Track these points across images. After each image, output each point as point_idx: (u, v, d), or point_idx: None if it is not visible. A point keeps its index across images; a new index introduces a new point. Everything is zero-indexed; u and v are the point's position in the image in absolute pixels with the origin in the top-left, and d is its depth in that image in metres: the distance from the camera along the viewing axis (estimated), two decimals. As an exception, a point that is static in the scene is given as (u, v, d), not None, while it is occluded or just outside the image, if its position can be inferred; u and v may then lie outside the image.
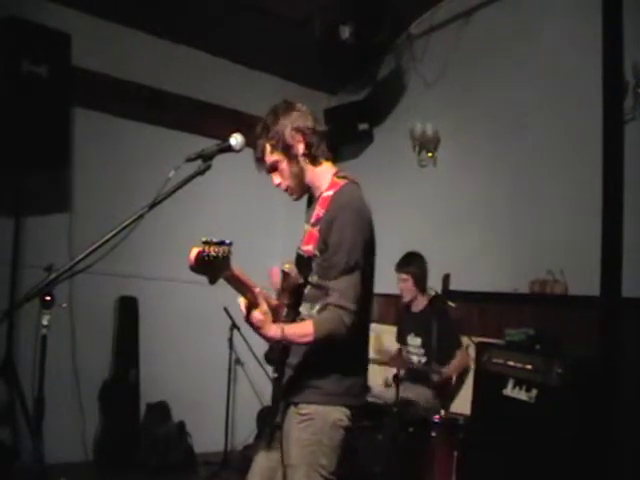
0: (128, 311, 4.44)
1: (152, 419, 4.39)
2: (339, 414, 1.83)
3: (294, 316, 1.88)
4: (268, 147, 1.94)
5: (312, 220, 1.93)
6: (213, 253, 1.40)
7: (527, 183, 3.71)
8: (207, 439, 4.49)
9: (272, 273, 1.89)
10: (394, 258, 3.84)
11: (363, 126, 4.94)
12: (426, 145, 4.38)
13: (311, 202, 2.05)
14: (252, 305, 1.69)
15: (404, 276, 3.82)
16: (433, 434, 3.15)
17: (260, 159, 1.97)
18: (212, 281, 1.48)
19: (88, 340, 4.21)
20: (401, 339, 3.98)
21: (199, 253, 1.40)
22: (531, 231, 3.64)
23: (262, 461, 1.94)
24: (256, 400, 4.90)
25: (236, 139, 1.82)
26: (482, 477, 2.94)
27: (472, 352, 3.45)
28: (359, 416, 1.92)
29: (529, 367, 2.81)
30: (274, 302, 1.84)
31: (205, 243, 1.41)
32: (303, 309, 1.90)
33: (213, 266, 1.43)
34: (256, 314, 1.68)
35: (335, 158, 2.05)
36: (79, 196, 4.26)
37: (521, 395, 2.81)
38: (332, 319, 1.77)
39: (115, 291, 4.42)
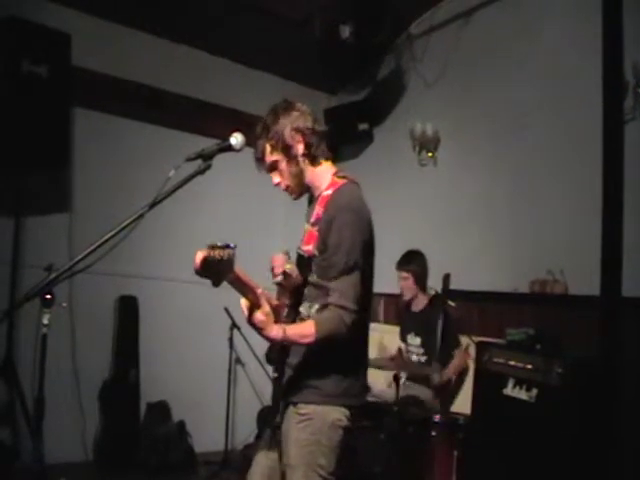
0: (128, 311, 4.44)
1: (152, 419, 4.38)
2: (338, 414, 1.84)
3: (294, 316, 1.89)
4: (268, 147, 1.94)
5: (312, 220, 1.93)
6: (218, 257, 1.40)
7: (527, 183, 3.71)
8: (207, 439, 4.49)
9: (274, 258, 1.89)
10: (394, 258, 3.84)
11: (363, 126, 4.94)
12: (426, 145, 4.38)
13: (312, 201, 2.05)
14: (254, 306, 1.69)
15: (404, 274, 3.82)
16: (433, 434, 3.14)
17: (260, 159, 1.98)
18: (216, 284, 1.48)
19: (88, 340, 4.21)
20: (402, 338, 3.98)
21: (205, 257, 1.41)
22: (531, 231, 3.64)
23: (262, 461, 1.94)
24: (256, 400, 4.90)
25: (236, 138, 1.82)
26: (482, 477, 2.93)
27: (472, 352, 3.45)
28: (358, 416, 1.91)
29: (529, 367, 2.81)
30: (275, 302, 1.85)
31: (210, 247, 1.41)
32: (302, 308, 1.91)
33: (218, 269, 1.43)
34: (258, 315, 1.68)
35: (335, 158, 2.05)
36: (79, 196, 4.25)
37: (521, 395, 2.81)
38: (333, 319, 1.77)
39: (115, 291, 4.42)
